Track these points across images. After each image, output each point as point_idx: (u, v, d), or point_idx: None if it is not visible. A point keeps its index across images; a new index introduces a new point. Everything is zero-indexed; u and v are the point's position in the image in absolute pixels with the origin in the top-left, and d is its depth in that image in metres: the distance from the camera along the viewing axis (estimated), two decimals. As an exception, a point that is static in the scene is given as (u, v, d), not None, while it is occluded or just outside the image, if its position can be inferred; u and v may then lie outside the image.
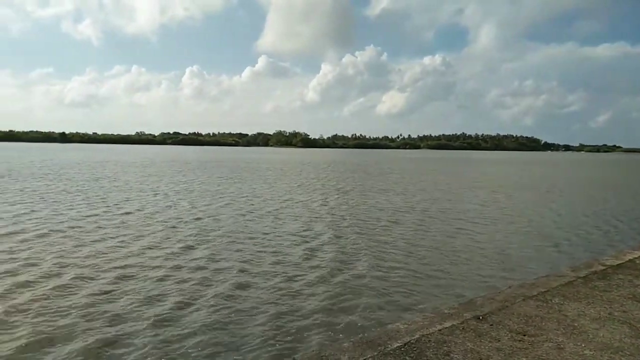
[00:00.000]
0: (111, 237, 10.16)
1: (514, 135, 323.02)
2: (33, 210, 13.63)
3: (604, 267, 5.84)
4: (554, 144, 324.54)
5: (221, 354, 4.78)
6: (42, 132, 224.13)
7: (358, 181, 28.34)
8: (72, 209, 14.25)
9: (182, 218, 13.03)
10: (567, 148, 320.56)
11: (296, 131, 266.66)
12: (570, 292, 4.79)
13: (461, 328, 3.80)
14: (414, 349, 3.39)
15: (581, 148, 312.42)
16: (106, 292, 6.52)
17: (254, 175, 32.11)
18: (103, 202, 16.03)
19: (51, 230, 10.70)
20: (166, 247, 9.36)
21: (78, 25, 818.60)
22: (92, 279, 7.13)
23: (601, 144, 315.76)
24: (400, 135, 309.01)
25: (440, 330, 3.75)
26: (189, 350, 4.82)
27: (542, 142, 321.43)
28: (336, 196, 19.58)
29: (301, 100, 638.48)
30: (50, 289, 6.59)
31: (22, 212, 13.35)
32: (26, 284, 6.76)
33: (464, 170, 47.79)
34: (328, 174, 35.30)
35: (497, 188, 25.24)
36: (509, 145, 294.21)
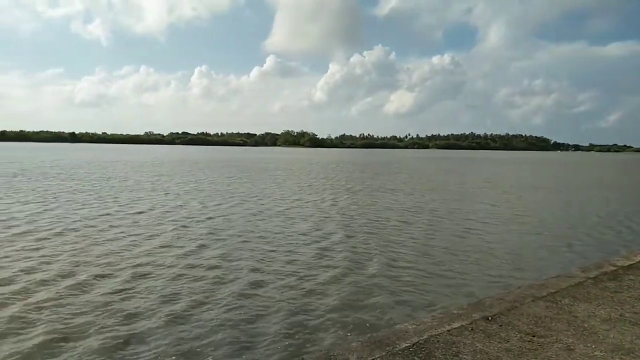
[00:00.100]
0: (124, 236, 10.29)
1: (523, 135, 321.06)
2: (46, 210, 13.83)
3: (615, 268, 5.80)
4: (563, 143, 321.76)
5: (234, 352, 4.83)
6: (52, 132, 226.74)
7: (367, 181, 28.31)
8: (84, 208, 14.43)
9: (193, 217, 13.14)
10: (577, 148, 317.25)
11: (304, 131, 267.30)
12: (581, 293, 4.77)
13: (470, 329, 3.81)
14: (423, 349, 3.40)
15: (591, 148, 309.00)
16: (121, 291, 6.61)
17: (263, 175, 32.22)
18: (115, 201, 16.20)
19: (65, 229, 10.85)
20: (179, 246, 9.46)
21: (88, 26, 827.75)
22: (106, 277, 7.24)
23: (611, 144, 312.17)
24: (409, 134, 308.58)
25: (449, 330, 3.76)
26: (203, 349, 4.87)
27: (552, 141, 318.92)
28: (346, 196, 19.59)
29: (309, 100, 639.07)
30: (65, 287, 6.69)
31: (36, 211, 13.54)
32: (42, 282, 6.87)
33: (473, 170, 47.50)
34: (337, 173, 35.29)
35: (507, 188, 25.08)
36: (518, 145, 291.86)
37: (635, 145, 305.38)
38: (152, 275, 7.39)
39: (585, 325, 3.91)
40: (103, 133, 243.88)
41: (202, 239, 10.15)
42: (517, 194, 22.21)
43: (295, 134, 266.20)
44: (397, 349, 3.39)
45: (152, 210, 14.39)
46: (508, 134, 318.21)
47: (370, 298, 6.56)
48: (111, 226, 11.46)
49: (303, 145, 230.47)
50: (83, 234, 10.47)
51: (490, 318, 4.04)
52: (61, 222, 11.85)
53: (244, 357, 4.75)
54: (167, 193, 19.29)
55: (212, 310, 5.97)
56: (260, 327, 5.46)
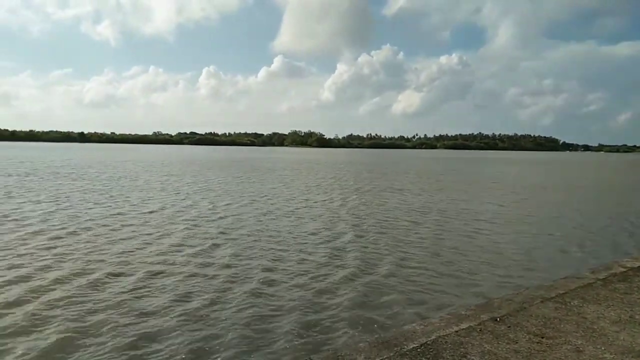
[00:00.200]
0: (137, 235, 10.42)
1: (532, 135, 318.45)
2: (59, 209, 14.00)
3: (625, 269, 5.74)
4: (572, 144, 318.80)
5: (245, 352, 4.87)
6: (61, 132, 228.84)
7: (375, 181, 28.29)
8: (96, 207, 14.61)
9: (204, 217, 13.25)
10: (586, 148, 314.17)
11: (311, 131, 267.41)
12: (590, 294, 4.74)
13: (478, 329, 3.80)
14: (431, 350, 3.40)
15: (600, 148, 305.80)
16: (134, 289, 6.70)
17: (272, 175, 32.33)
18: (126, 201, 16.38)
19: (78, 228, 11.00)
20: (191, 245, 9.56)
21: (97, 26, 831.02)
22: (120, 275, 7.33)
23: (621, 144, 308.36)
24: (416, 135, 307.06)
25: (457, 331, 3.75)
26: (215, 348, 4.92)
27: (561, 142, 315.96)
28: (354, 196, 19.61)
29: (316, 100, 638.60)
30: (79, 285, 6.79)
31: (49, 210, 13.73)
32: (56, 281, 6.97)
33: (481, 170, 47.25)
34: (345, 174, 35.30)
35: (515, 188, 24.91)
36: (526, 145, 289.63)
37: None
38: (164, 274, 7.48)
39: (595, 327, 3.89)
40: (112, 133, 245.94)
41: (213, 239, 10.25)
42: (526, 194, 22.06)
43: (303, 134, 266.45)
44: (405, 350, 3.39)
45: (163, 209, 14.52)
46: (516, 134, 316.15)
47: (380, 298, 6.59)
48: (123, 225, 11.59)
49: (310, 146, 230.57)
50: (96, 233, 10.60)
51: (498, 319, 4.03)
52: (74, 221, 12.00)
53: (253, 356, 4.79)
54: (178, 193, 19.46)
55: (224, 309, 6.02)
56: (270, 327, 5.50)
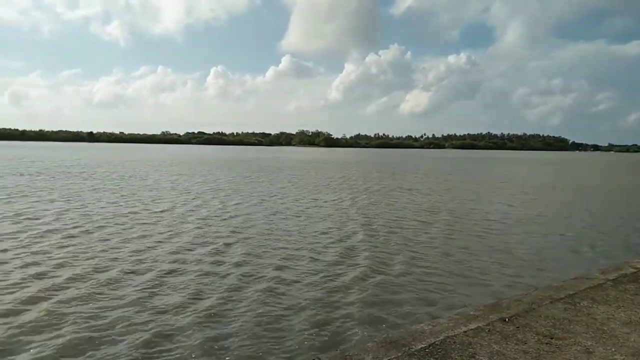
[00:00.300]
0: (150, 234, 10.53)
1: (541, 135, 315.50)
2: (72, 208, 14.16)
3: (635, 270, 5.70)
4: (581, 143, 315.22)
5: (258, 349, 4.92)
6: (70, 132, 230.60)
7: (383, 181, 28.25)
8: (108, 206, 14.77)
9: (215, 216, 13.35)
10: (596, 148, 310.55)
11: (319, 131, 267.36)
12: (600, 295, 4.71)
13: (487, 330, 3.80)
14: (439, 350, 3.41)
15: (610, 148, 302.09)
16: (149, 287, 6.78)
17: (280, 174, 32.41)
18: (138, 200, 16.54)
19: (92, 227, 11.13)
20: (203, 244, 9.65)
21: (106, 27, 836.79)
22: (133, 274, 7.42)
23: (631, 144, 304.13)
24: (424, 134, 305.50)
25: (465, 331, 3.76)
26: (227, 346, 4.96)
27: (570, 141, 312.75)
28: (364, 196, 19.62)
29: (324, 100, 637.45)
30: (95, 283, 6.88)
31: (62, 209, 13.90)
32: (72, 279, 7.07)
33: (490, 170, 46.96)
34: (353, 173, 35.28)
35: (525, 188, 24.74)
36: (535, 145, 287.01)
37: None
38: (177, 272, 7.57)
39: (605, 328, 3.87)
40: (120, 133, 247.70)
41: (224, 238, 10.34)
42: (535, 194, 21.90)
43: (310, 133, 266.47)
44: (413, 350, 3.41)
45: (174, 209, 14.65)
46: (525, 134, 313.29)
47: (391, 297, 6.61)
48: (136, 224, 11.72)
49: (318, 145, 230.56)
50: (109, 231, 10.72)
51: (507, 319, 4.03)
52: (87, 219, 12.16)
53: (264, 354, 4.82)
54: (188, 192, 19.61)
55: (235, 308, 6.08)
56: (281, 326, 5.54)
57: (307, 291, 6.81)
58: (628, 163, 79.34)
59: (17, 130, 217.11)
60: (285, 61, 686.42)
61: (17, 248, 8.88)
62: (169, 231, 10.93)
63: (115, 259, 8.25)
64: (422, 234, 11.30)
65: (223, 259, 8.49)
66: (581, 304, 4.45)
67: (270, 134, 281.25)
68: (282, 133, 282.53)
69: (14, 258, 8.15)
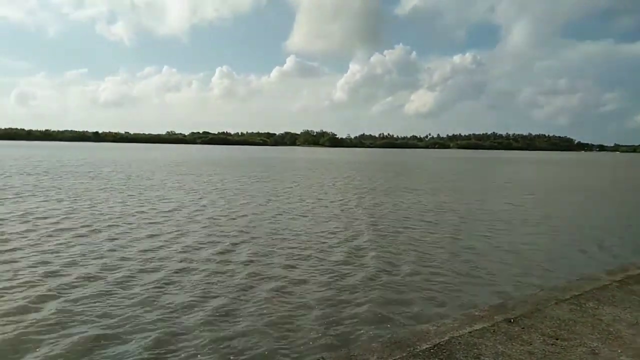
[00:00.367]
0: (158, 234, 10.61)
1: (547, 135, 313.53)
2: (80, 207, 14.27)
3: (642, 272, 5.69)
4: (587, 143, 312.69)
5: (266, 348, 4.96)
6: (76, 132, 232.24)
7: (389, 181, 28.23)
8: (116, 205, 14.88)
9: (222, 216, 13.42)
10: (602, 148, 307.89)
11: (323, 131, 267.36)
12: (605, 296, 4.71)
13: (492, 331, 3.82)
14: (444, 350, 3.43)
15: (616, 148, 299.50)
16: (158, 287, 6.83)
17: (286, 174, 32.48)
18: (145, 199, 16.65)
19: (100, 226, 11.22)
20: (211, 244, 9.71)
21: (112, 27, 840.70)
22: (143, 273, 7.48)
23: (637, 144, 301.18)
24: (429, 134, 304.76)
25: (470, 332, 3.77)
26: (236, 346, 5.01)
27: (576, 141, 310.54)
28: (370, 196, 19.63)
29: (329, 100, 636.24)
30: (104, 282, 6.95)
31: (70, 208, 14.02)
32: (82, 277, 7.14)
33: (496, 170, 46.78)
34: (359, 173, 35.29)
35: (531, 188, 24.63)
36: (541, 145, 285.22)
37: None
38: (186, 272, 7.62)
39: (611, 329, 3.88)
40: (126, 132, 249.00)
41: (233, 237, 10.40)
42: (541, 194, 21.81)
43: (315, 133, 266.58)
44: (418, 350, 3.43)
45: (181, 208, 14.74)
46: (531, 134, 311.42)
47: (397, 297, 6.63)
48: (144, 223, 11.81)
49: (322, 145, 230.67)
50: (117, 231, 10.80)
51: (512, 320, 4.04)
52: (95, 219, 12.26)
53: (272, 354, 4.86)
54: (194, 191, 19.72)
55: (244, 307, 6.13)
56: (290, 326, 5.57)
57: (314, 291, 6.85)
58: (634, 163, 78.69)
59: (23, 130, 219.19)
60: (290, 61, 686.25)
61: (26, 247, 8.97)
62: (176, 231, 11.01)
63: (123, 258, 8.33)
64: (428, 234, 11.30)
65: (231, 259, 8.55)
66: (587, 305, 4.45)
67: (275, 134, 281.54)
68: (286, 133, 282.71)
69: (23, 257, 8.23)
